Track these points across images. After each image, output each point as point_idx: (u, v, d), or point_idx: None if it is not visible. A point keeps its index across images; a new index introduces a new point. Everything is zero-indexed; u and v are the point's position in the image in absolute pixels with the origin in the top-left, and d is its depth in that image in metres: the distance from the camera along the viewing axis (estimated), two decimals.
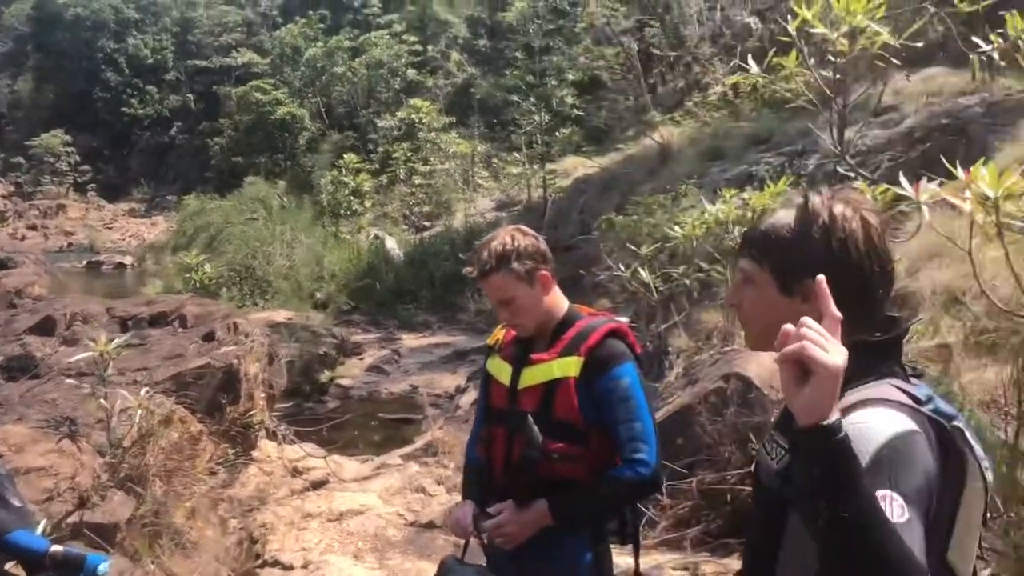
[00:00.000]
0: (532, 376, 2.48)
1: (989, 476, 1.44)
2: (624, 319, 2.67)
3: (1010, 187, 2.88)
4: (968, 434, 1.42)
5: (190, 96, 51.89)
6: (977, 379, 4.56)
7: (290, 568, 5.44)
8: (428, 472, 6.86)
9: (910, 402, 1.41)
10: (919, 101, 9.35)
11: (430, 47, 37.37)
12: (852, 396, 1.42)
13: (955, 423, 1.41)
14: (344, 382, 11.22)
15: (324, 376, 10.47)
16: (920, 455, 1.31)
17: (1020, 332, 3.14)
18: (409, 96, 30.11)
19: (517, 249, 2.48)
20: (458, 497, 6.24)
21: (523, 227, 2.60)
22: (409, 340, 13.58)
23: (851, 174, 5.11)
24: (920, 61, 10.01)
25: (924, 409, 1.40)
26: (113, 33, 52.12)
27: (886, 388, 1.43)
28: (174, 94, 52.25)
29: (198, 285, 13.65)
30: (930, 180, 3.18)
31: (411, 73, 34.62)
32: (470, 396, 9.39)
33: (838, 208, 1.50)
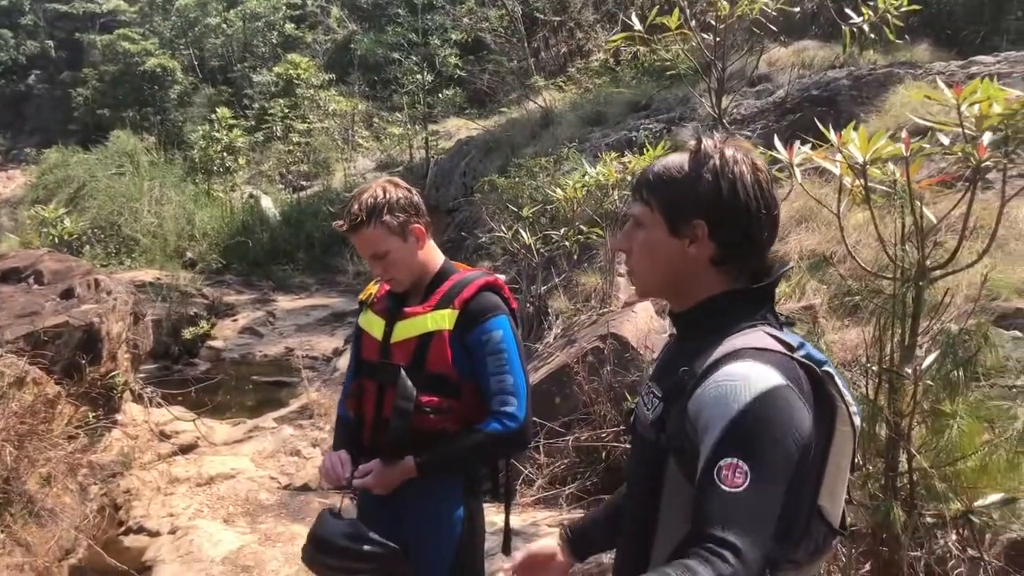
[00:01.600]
0: (405, 329, 2.44)
1: (857, 421, 1.48)
2: (502, 276, 2.65)
3: (878, 150, 2.98)
4: (837, 379, 1.45)
5: (50, 43, 48.34)
6: (839, 339, 4.77)
7: (156, 534, 5.23)
8: (303, 435, 6.71)
9: (782, 349, 1.42)
10: (791, 72, 9.65)
11: (309, 1, 36.14)
12: (725, 345, 1.43)
13: (825, 368, 1.44)
14: (216, 344, 10.83)
15: (199, 330, 10.04)
16: (785, 414, 1.32)
17: (883, 293, 3.25)
18: (287, 51, 29.05)
19: (389, 202, 2.42)
20: None
21: (396, 179, 2.54)
22: (285, 302, 13.23)
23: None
24: (793, 32, 10.35)
25: (796, 355, 1.41)
26: None
27: (759, 335, 1.44)
28: (31, 40, 48.68)
29: (57, 241, 12.86)
30: (803, 144, 3.27)
31: (289, 27, 33.38)
32: (347, 358, 9.21)
33: (729, 151, 1.51)
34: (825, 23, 11.97)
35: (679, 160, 1.54)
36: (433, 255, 2.54)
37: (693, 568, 1.24)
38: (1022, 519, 3.25)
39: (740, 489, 1.27)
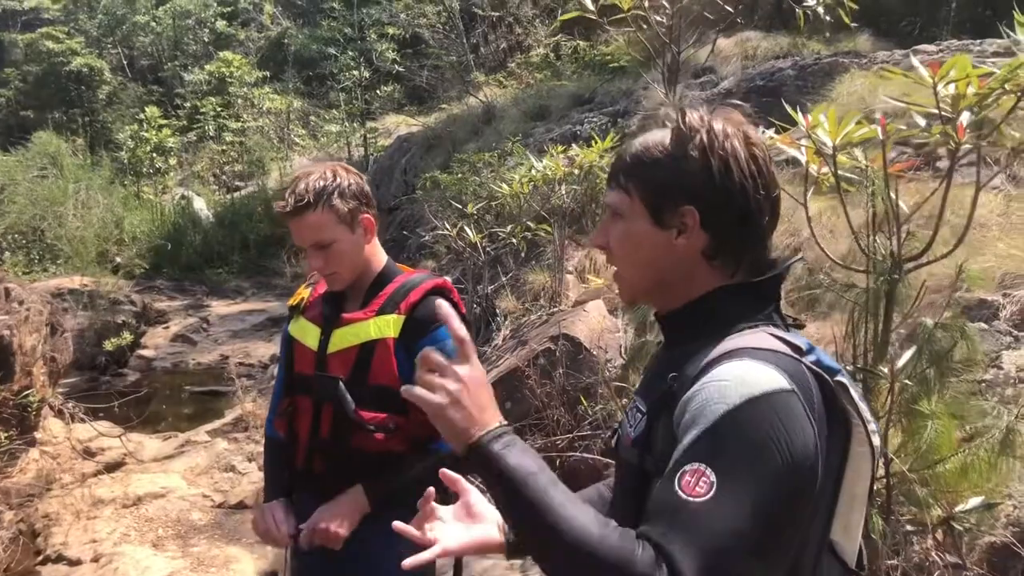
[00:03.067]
0: (344, 338, 2.16)
1: (876, 440, 1.23)
2: (447, 277, 2.39)
3: (848, 134, 2.79)
4: (853, 391, 1.20)
5: None
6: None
7: (77, 563, 4.84)
8: (238, 448, 6.34)
9: (789, 351, 1.17)
10: (735, 63, 9.55)
11: None
12: (724, 344, 1.19)
13: (839, 378, 1.19)
14: (146, 353, 10.33)
15: (122, 340, 9.52)
16: (780, 424, 1.07)
17: (856, 286, 3.07)
18: (219, 49, 28.35)
19: (339, 186, 2.14)
20: None
21: (346, 164, 2.26)
22: (219, 307, 12.73)
23: None
24: (736, 23, 10.24)
25: (805, 360, 1.17)
26: None
27: (762, 336, 1.20)
28: None
29: None
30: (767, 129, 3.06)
31: (221, 25, 32.56)
32: None
33: (718, 124, 1.26)
34: (765, 15, 11.95)
35: (660, 137, 1.29)
36: (378, 253, 2.28)
37: (628, 558, 1.03)
38: (1002, 523, 3.11)
39: (698, 499, 1.05)
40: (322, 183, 2.14)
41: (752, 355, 1.15)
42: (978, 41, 8.16)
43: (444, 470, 1.45)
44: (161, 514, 5.36)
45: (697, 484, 1.05)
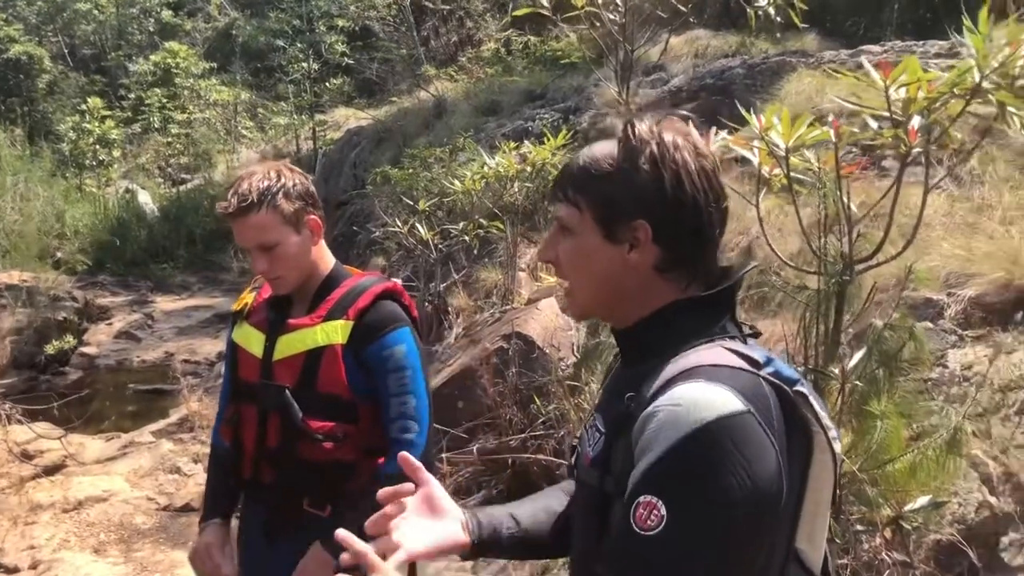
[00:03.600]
0: (290, 344, 2.10)
1: (837, 447, 1.22)
2: (398, 280, 2.34)
3: (801, 136, 2.80)
4: (813, 400, 1.19)
5: None
6: None
7: (14, 571, 4.69)
8: (183, 450, 6.19)
9: (745, 365, 1.15)
10: (685, 61, 9.59)
11: None
12: (677, 364, 1.16)
13: (797, 388, 1.17)
14: (89, 350, 10.05)
15: (63, 344, 9.27)
16: (737, 449, 1.05)
17: (807, 288, 3.09)
18: (165, 39, 27.71)
19: (284, 186, 2.07)
20: None
21: (290, 164, 2.19)
22: (164, 303, 12.43)
23: None
24: (686, 21, 10.30)
25: (763, 372, 1.15)
26: None
27: (718, 351, 1.18)
28: None
29: None
30: (719, 131, 3.06)
31: (167, 15, 31.85)
32: None
33: (668, 136, 1.24)
34: (715, 14, 12.04)
35: (608, 149, 1.27)
36: (324, 256, 2.22)
37: None
38: (948, 520, 3.16)
39: (649, 532, 1.04)
40: (266, 183, 2.07)
41: (707, 375, 1.12)
42: (921, 42, 8.30)
43: (404, 455, 1.38)
44: (103, 518, 5.22)
45: (649, 517, 1.04)
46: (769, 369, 1.17)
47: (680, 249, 1.24)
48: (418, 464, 1.39)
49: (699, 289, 1.26)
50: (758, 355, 1.19)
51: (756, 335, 1.33)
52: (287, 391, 2.08)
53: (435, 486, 1.41)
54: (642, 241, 1.23)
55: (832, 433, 1.21)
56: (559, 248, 1.31)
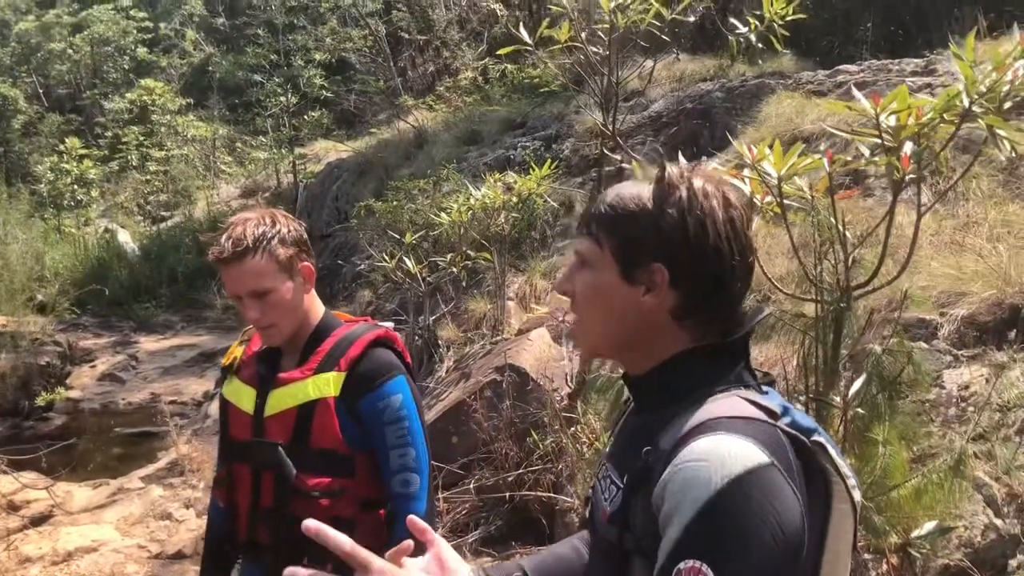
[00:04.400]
0: (281, 399, 2.04)
1: (857, 496, 1.21)
2: (389, 324, 2.29)
3: (793, 166, 2.80)
4: (831, 449, 1.18)
5: None
6: None
7: None
8: (174, 495, 6.10)
9: (763, 416, 1.13)
10: (665, 87, 9.66)
11: (162, 24, 34.57)
12: (696, 416, 1.14)
13: (815, 438, 1.16)
14: (73, 394, 9.92)
15: (54, 396, 9.13)
16: (767, 503, 1.04)
17: (804, 316, 3.08)
18: (140, 76, 27.69)
19: (280, 232, 2.03)
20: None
21: (283, 211, 2.14)
22: (148, 343, 12.31)
23: (616, 155, 5.02)
24: (665, 47, 10.38)
25: (780, 424, 1.14)
26: None
27: (735, 402, 1.16)
28: None
29: None
30: (704, 156, 3.06)
31: (142, 52, 31.83)
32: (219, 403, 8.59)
33: (698, 182, 1.23)
34: (689, 37, 12.14)
35: (638, 191, 1.26)
36: (315, 305, 2.16)
37: None
38: (955, 544, 3.14)
39: None
40: (262, 228, 2.02)
41: (727, 428, 1.10)
42: (896, 61, 8.40)
43: (412, 518, 1.34)
44: (94, 569, 5.11)
45: None
46: (786, 420, 1.16)
47: (697, 297, 1.22)
48: (425, 526, 1.36)
49: (716, 338, 1.24)
50: (775, 405, 1.18)
51: (771, 383, 1.32)
52: (280, 448, 2.02)
53: (443, 547, 1.37)
54: (658, 284, 1.22)
55: (851, 482, 1.20)
56: (576, 281, 1.30)
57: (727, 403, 1.16)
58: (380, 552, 1.29)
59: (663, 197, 1.22)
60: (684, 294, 1.22)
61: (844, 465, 1.20)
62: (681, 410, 1.17)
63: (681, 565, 1.02)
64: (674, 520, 1.06)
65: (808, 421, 1.19)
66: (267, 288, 2.02)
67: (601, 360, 4.02)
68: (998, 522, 3.16)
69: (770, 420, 1.14)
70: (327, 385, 2.02)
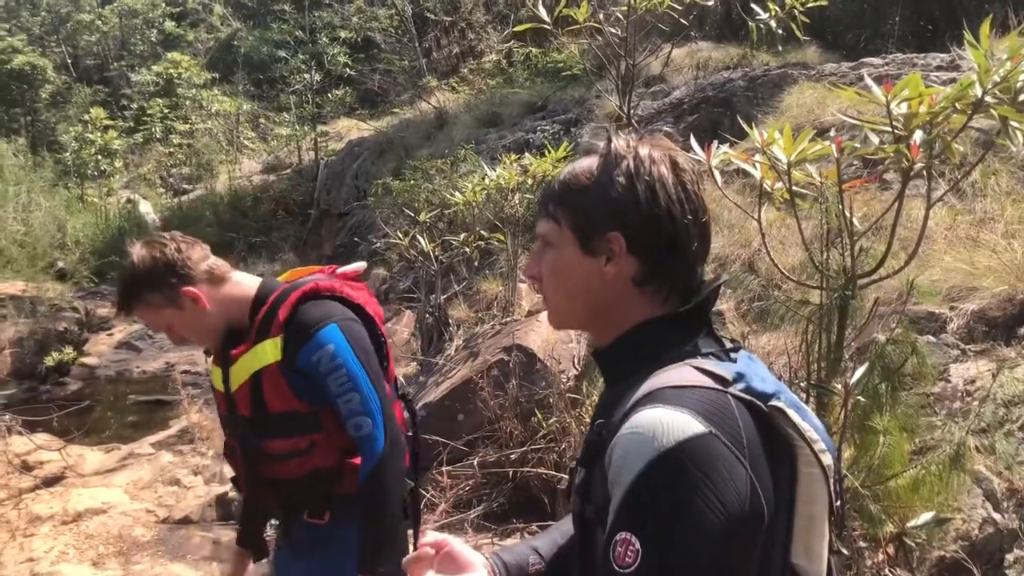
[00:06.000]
0: (238, 375, 2.12)
1: (827, 459, 1.19)
2: (360, 265, 2.33)
3: (803, 151, 2.79)
4: (792, 414, 1.16)
5: None
6: (752, 346, 4.61)
7: None
8: (183, 461, 6.17)
9: (710, 383, 1.13)
10: (687, 73, 9.60)
11: None
12: (645, 386, 1.15)
13: (773, 403, 1.15)
14: (89, 361, 10.05)
15: (64, 356, 9.26)
16: (701, 473, 1.04)
17: (809, 303, 3.07)
18: (168, 50, 27.84)
19: (145, 278, 2.07)
20: (218, 488, 5.65)
21: (154, 239, 2.14)
22: None
23: None
24: (687, 34, 10.31)
25: (731, 390, 1.13)
26: None
27: (684, 371, 1.16)
28: None
29: None
30: (720, 145, 3.05)
31: (169, 25, 32.03)
32: None
33: (644, 150, 1.25)
34: (715, 25, 12.06)
35: (587, 165, 1.28)
36: (236, 293, 2.16)
37: None
38: (952, 536, 3.13)
39: (627, 570, 1.02)
40: (125, 284, 2.10)
41: (665, 398, 1.10)
42: (922, 55, 8.32)
43: (424, 542, 1.37)
44: (102, 530, 5.19)
45: (626, 554, 1.03)
46: (740, 386, 1.14)
47: (655, 261, 1.23)
48: (434, 537, 1.38)
49: (677, 305, 1.26)
50: (727, 372, 1.16)
51: (737, 348, 1.31)
52: (244, 419, 2.12)
53: (454, 543, 1.39)
54: (617, 253, 1.23)
55: (819, 446, 1.18)
56: (542, 263, 1.31)
57: (675, 372, 1.16)
58: None
59: (611, 167, 1.24)
60: (642, 259, 1.23)
61: (809, 429, 1.18)
62: (635, 382, 1.18)
63: (616, 536, 1.04)
64: (615, 492, 1.08)
65: (766, 386, 1.17)
66: (162, 325, 2.14)
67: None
68: (997, 516, 3.15)
69: (719, 387, 1.13)
70: (266, 353, 2.06)
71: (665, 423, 1.06)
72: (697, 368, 1.16)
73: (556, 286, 1.31)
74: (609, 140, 1.28)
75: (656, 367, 1.18)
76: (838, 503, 1.29)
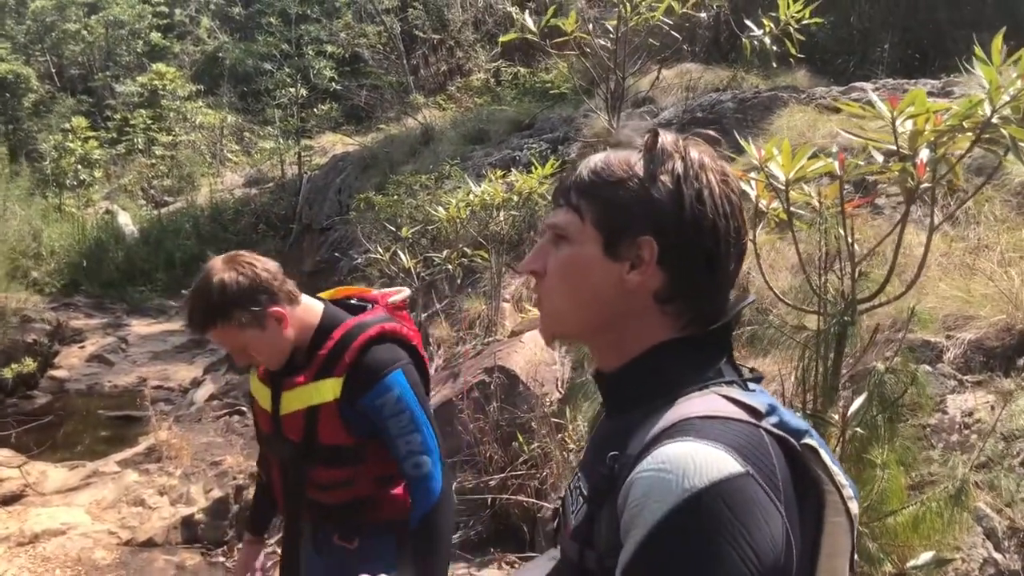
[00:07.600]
0: (290, 402, 2.16)
1: (854, 507, 1.04)
2: (400, 295, 2.33)
3: (802, 169, 2.67)
4: (824, 454, 1.01)
5: None
6: None
7: None
8: (149, 481, 5.94)
9: (743, 415, 0.98)
10: (676, 94, 9.53)
11: (178, 10, 34.56)
12: (669, 415, 0.99)
13: (806, 440, 1.01)
14: (59, 373, 9.79)
15: (23, 367, 8.96)
16: (737, 519, 0.89)
17: (806, 328, 2.93)
18: (153, 61, 27.66)
19: (230, 299, 2.04)
20: (184, 509, 5.43)
21: (238, 257, 2.11)
22: (140, 326, 12.16)
23: None
24: (677, 55, 10.26)
25: (764, 424, 0.98)
26: None
27: (712, 400, 1.00)
28: None
29: None
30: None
31: (156, 37, 31.85)
32: (207, 389, 8.46)
33: (695, 153, 1.07)
34: (704, 47, 12.02)
35: (626, 156, 1.10)
36: (305, 317, 2.18)
37: None
38: None
39: None
40: (209, 302, 2.04)
41: (698, 431, 0.95)
42: (913, 80, 8.27)
43: None
44: (60, 553, 4.97)
45: None
46: (772, 419, 1.01)
47: (686, 277, 1.07)
48: None
49: (698, 328, 1.09)
50: (759, 403, 1.02)
51: (758, 380, 1.16)
52: (292, 445, 2.18)
53: None
54: (645, 260, 1.07)
55: (847, 492, 1.04)
56: (548, 258, 1.14)
57: (702, 401, 1.01)
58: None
59: (656, 163, 1.07)
60: (672, 273, 1.07)
61: (840, 473, 1.04)
62: (653, 410, 1.02)
63: None
64: (630, 536, 0.92)
65: (798, 422, 1.04)
66: (240, 344, 2.10)
67: (589, 363, 3.88)
68: (998, 556, 3.01)
69: (752, 420, 0.98)
70: (327, 391, 2.10)
71: (698, 460, 0.91)
72: (726, 397, 1.01)
73: (562, 288, 1.13)
74: (656, 133, 1.11)
75: (676, 395, 1.03)
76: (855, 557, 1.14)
